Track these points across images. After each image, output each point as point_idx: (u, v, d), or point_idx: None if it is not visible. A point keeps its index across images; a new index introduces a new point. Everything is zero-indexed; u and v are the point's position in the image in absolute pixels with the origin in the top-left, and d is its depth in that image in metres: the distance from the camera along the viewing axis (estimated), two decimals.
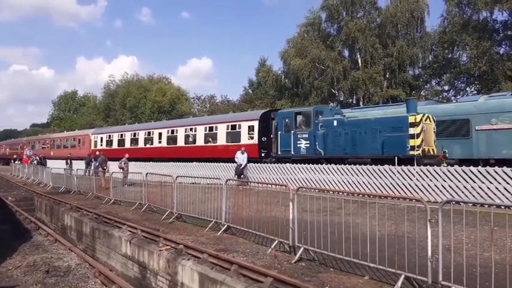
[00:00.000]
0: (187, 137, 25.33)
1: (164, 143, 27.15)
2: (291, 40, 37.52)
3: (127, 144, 30.82)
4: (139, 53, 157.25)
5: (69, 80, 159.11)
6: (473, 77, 30.14)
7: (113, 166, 21.64)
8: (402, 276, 5.58)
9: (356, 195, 10.39)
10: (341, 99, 36.21)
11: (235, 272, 6.49)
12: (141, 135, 29.80)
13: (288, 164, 17.08)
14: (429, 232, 5.36)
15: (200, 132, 24.33)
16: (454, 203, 6.39)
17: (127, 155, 21.79)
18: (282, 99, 39.48)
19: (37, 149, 48.14)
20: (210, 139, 23.53)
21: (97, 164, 25.56)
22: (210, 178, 12.85)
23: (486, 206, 9.55)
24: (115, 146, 32.27)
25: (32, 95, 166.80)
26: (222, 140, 22.66)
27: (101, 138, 34.50)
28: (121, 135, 32.20)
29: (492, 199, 10.96)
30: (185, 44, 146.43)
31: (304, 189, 8.75)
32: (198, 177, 13.64)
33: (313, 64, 34.03)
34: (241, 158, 17.87)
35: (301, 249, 7.16)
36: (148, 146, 28.76)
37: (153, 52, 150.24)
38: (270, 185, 10.67)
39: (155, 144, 27.97)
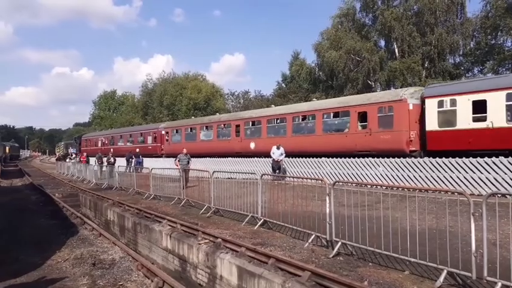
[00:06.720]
0: None
1: None
2: (324, 32, 36.91)
3: None
4: (174, 52, 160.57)
5: (107, 80, 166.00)
6: None
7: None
8: (445, 271, 5.43)
9: (394, 188, 10.18)
10: (378, 90, 35.37)
11: (273, 265, 6.54)
12: None
13: (323, 158, 16.90)
14: (472, 226, 5.17)
15: None
16: (499, 196, 6.11)
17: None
18: (316, 93, 39.09)
19: (204, 139, 26.23)
20: None
21: (141, 160, 26.40)
22: (246, 173, 12.95)
23: None
24: None
25: (73, 95, 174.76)
26: None
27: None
28: None
29: None
30: (218, 41, 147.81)
31: (340, 183, 8.64)
32: (233, 172, 13.77)
33: (348, 56, 33.36)
34: (277, 153, 17.85)
35: (339, 243, 7.11)
36: None
37: (187, 50, 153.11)
38: (305, 179, 10.62)
39: None
